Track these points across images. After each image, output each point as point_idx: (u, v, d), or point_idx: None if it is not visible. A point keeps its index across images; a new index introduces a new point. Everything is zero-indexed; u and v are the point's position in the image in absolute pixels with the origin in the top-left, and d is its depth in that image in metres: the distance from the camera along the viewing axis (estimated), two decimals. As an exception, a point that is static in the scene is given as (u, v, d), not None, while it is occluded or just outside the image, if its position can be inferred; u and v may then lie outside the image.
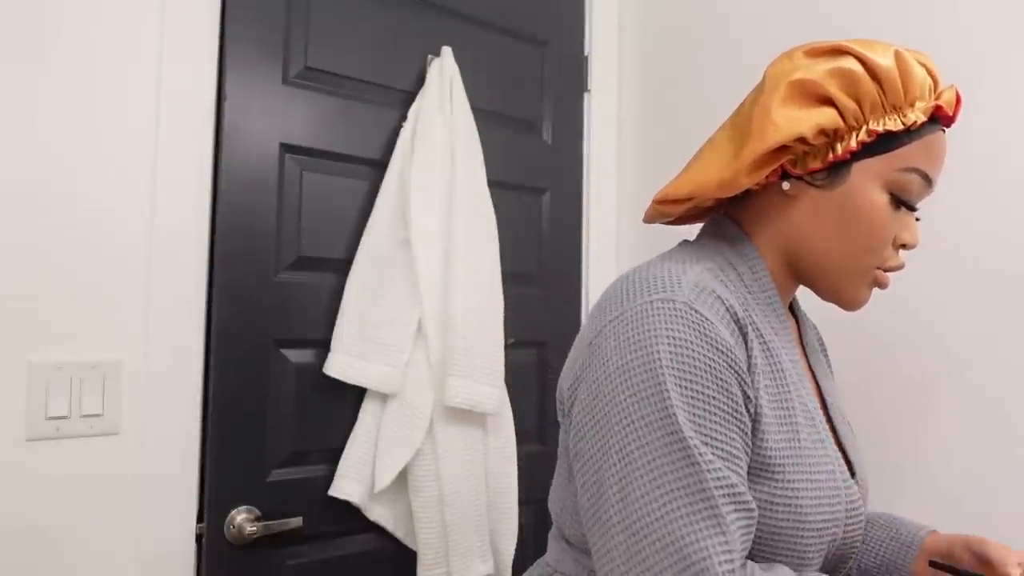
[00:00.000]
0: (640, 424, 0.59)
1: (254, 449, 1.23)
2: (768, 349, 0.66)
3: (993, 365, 1.08)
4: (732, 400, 0.60)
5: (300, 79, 1.31)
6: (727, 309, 0.63)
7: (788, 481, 0.62)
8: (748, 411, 0.62)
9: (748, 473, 0.62)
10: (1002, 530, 1.05)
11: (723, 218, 0.76)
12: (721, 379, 0.60)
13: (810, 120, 0.65)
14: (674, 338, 0.60)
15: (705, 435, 0.58)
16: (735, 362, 0.61)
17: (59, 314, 1.07)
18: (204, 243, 1.20)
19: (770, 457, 0.62)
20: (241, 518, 1.20)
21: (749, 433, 0.62)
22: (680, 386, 0.59)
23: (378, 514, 1.29)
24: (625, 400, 0.60)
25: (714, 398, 0.59)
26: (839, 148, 0.66)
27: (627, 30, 1.76)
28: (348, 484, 1.27)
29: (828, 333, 1.12)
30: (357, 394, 1.30)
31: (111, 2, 1.12)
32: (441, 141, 1.35)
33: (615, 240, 1.74)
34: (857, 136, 0.66)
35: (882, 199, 0.67)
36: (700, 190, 0.71)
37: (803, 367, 0.74)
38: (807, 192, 0.69)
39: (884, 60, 0.65)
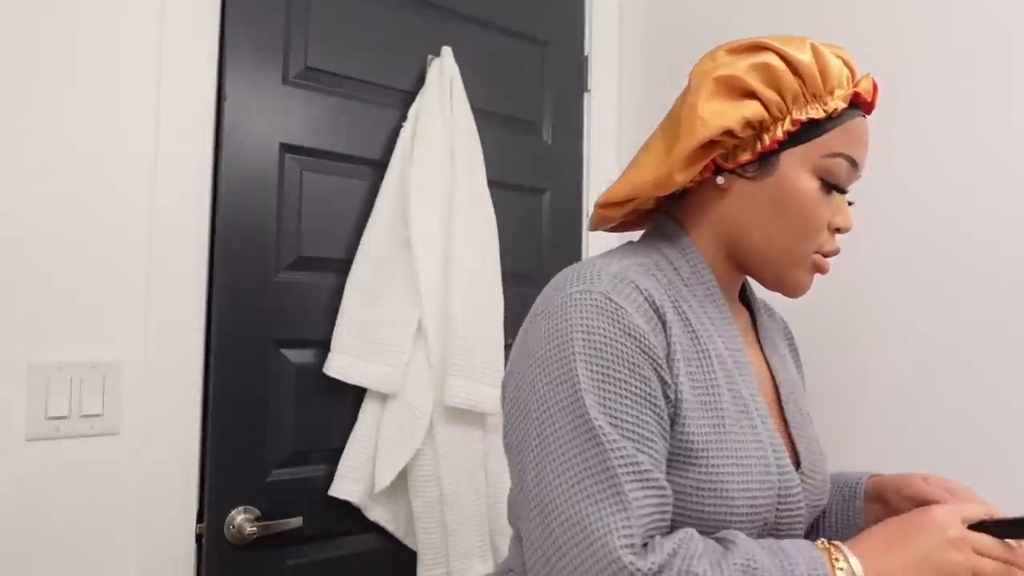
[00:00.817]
0: (555, 411, 0.62)
1: (254, 449, 1.23)
2: (697, 337, 0.68)
3: (984, 364, 1.08)
4: (645, 383, 0.62)
5: (300, 79, 1.31)
6: (645, 299, 0.65)
7: (712, 467, 0.64)
8: (666, 395, 0.64)
9: (673, 460, 0.64)
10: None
11: (664, 218, 0.79)
12: (633, 363, 0.62)
13: (735, 113, 0.68)
14: (588, 326, 0.63)
15: (614, 417, 0.60)
16: (649, 348, 0.63)
17: (59, 314, 1.07)
18: (204, 243, 1.20)
19: (693, 442, 0.64)
20: (241, 518, 1.20)
21: (666, 417, 0.64)
22: (591, 371, 0.61)
23: (378, 514, 1.30)
24: (542, 388, 0.63)
25: (625, 382, 0.61)
26: (766, 139, 0.69)
27: (627, 30, 1.76)
28: (348, 484, 1.27)
29: (818, 332, 1.12)
30: (357, 394, 1.30)
31: (111, 2, 1.12)
32: (441, 141, 1.35)
33: (615, 241, 1.74)
34: (782, 126, 0.69)
35: (812, 185, 0.70)
36: (637, 191, 0.74)
37: (752, 356, 0.77)
38: (740, 185, 0.72)
39: (802, 54, 0.68)
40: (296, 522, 1.24)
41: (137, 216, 1.14)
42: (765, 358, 0.80)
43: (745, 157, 0.71)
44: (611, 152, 1.75)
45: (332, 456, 1.30)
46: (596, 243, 1.71)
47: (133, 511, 1.12)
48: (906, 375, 1.18)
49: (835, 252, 0.73)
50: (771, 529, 0.68)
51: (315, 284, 1.31)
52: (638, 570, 0.56)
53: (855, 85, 0.71)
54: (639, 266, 0.71)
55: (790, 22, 1.40)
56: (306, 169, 1.32)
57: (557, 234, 1.66)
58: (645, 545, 0.58)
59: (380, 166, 1.37)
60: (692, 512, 0.64)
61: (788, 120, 0.69)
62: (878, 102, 0.98)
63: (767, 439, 0.68)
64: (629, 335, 0.63)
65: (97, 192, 1.11)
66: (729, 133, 0.69)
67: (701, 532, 0.64)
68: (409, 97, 1.41)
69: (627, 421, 0.61)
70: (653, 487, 0.60)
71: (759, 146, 0.70)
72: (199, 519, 1.18)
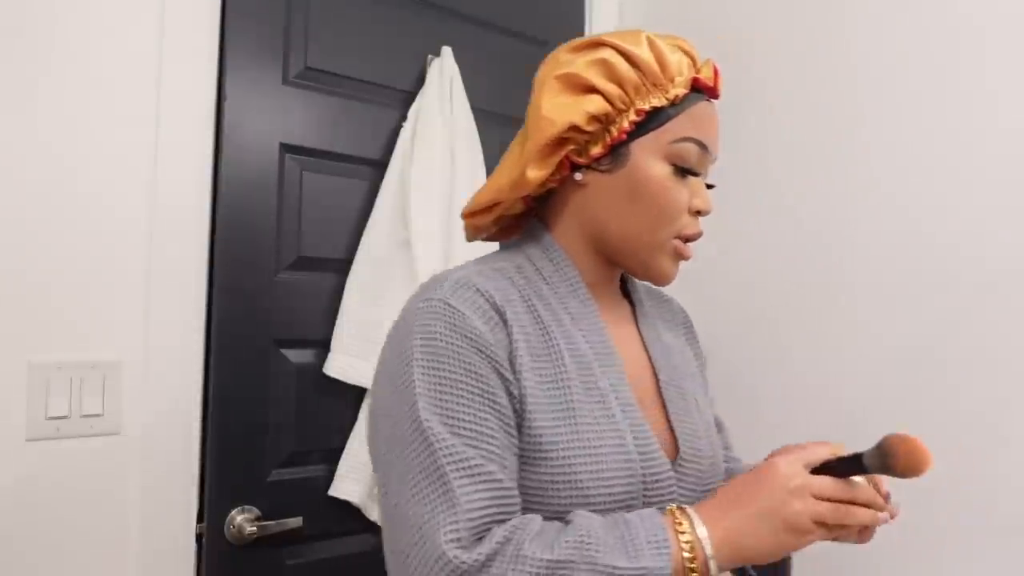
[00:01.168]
0: (395, 417, 0.64)
1: (254, 449, 1.23)
2: (548, 334, 0.70)
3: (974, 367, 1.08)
4: (482, 382, 0.64)
5: (300, 79, 1.31)
6: (485, 299, 0.68)
7: (563, 459, 0.65)
8: (509, 392, 0.66)
9: (525, 456, 0.66)
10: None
11: (533, 220, 0.81)
12: (469, 364, 0.64)
13: (579, 108, 0.70)
14: (426, 333, 0.65)
15: (450, 417, 0.62)
16: (487, 347, 0.65)
17: (59, 314, 1.07)
18: (204, 243, 1.20)
19: (542, 437, 0.65)
20: (241, 518, 1.20)
21: (510, 413, 0.65)
22: (427, 375, 0.64)
23: (378, 514, 1.30)
24: (387, 396, 0.66)
25: (461, 382, 0.64)
26: (614, 131, 0.71)
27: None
28: (348, 484, 1.27)
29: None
30: (357, 394, 1.30)
31: (111, 2, 1.12)
32: (441, 141, 1.35)
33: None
34: (627, 117, 0.71)
35: (664, 170, 0.72)
36: (497, 195, 0.76)
37: (629, 347, 0.79)
38: (597, 178, 0.74)
39: (638, 47, 0.71)
40: (296, 522, 1.24)
41: (137, 216, 1.14)
42: (645, 347, 0.81)
43: (597, 151, 0.72)
44: (611, 152, 1.75)
45: (332, 456, 1.30)
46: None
47: (133, 511, 1.12)
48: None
49: (696, 235, 0.75)
50: (649, 498, 0.69)
51: (315, 284, 1.31)
52: (463, 563, 0.58)
53: (696, 72, 0.73)
54: (494, 270, 0.73)
55: (790, 22, 1.40)
56: (306, 169, 1.32)
57: (557, 234, 1.66)
58: (481, 538, 0.60)
59: (380, 166, 1.37)
60: (550, 505, 0.65)
61: (632, 111, 0.71)
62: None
63: (627, 427, 0.69)
64: (465, 337, 0.65)
65: (97, 192, 1.11)
66: (575, 128, 0.71)
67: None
68: (409, 97, 1.41)
69: (463, 420, 0.63)
70: (485, 481, 0.61)
71: (608, 139, 0.72)
72: (199, 519, 1.18)
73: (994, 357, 1.08)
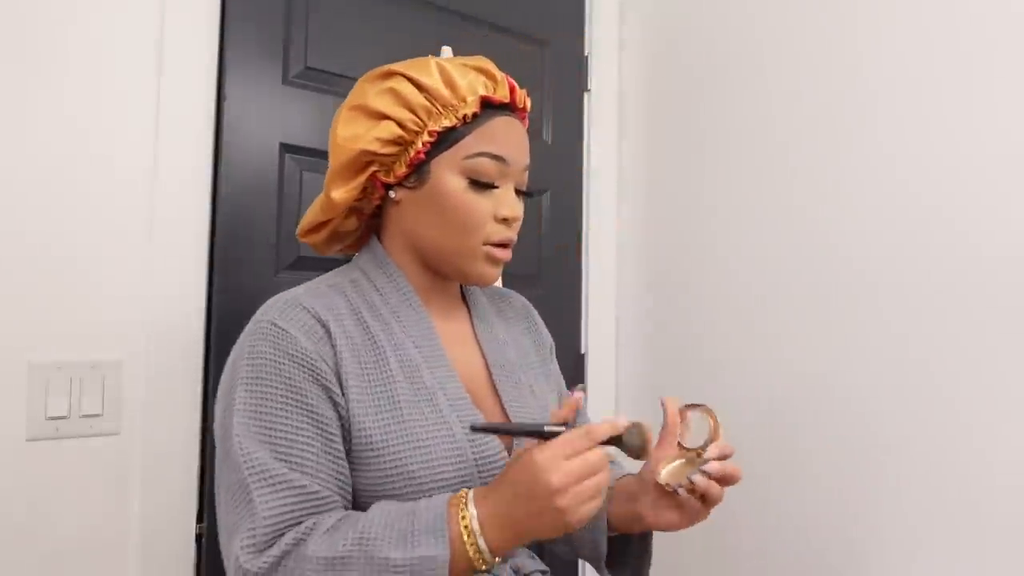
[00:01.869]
0: (222, 434, 0.72)
1: (254, 449, 1.23)
2: (375, 342, 0.76)
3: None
4: (301, 396, 0.70)
5: (300, 79, 1.31)
6: (311, 316, 0.74)
7: (393, 454, 0.71)
8: (333, 400, 0.72)
9: (358, 456, 0.72)
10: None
11: (371, 236, 0.87)
12: (289, 380, 0.70)
13: (369, 135, 0.78)
14: (253, 352, 0.72)
15: (267, 431, 0.69)
16: (309, 362, 0.71)
17: (59, 314, 1.07)
18: (204, 243, 1.20)
19: (371, 436, 0.71)
20: (241, 518, 1.20)
21: (332, 420, 0.71)
22: (249, 393, 0.70)
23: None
24: (219, 414, 0.74)
25: (281, 397, 0.70)
26: (411, 152, 0.78)
27: (627, 30, 1.76)
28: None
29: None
30: (357, 394, 1.30)
31: (111, 3, 1.12)
32: (441, 141, 1.35)
33: (615, 240, 1.74)
34: (422, 139, 0.78)
35: (460, 184, 0.78)
36: (316, 216, 0.84)
37: (464, 347, 0.85)
38: (408, 195, 0.81)
39: (426, 74, 0.78)
40: (296, 522, 1.24)
41: (137, 216, 1.14)
42: (480, 346, 0.87)
43: (401, 171, 0.79)
44: (611, 152, 1.75)
45: (332, 456, 1.29)
46: (596, 243, 1.71)
47: (133, 511, 1.12)
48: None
49: (505, 240, 0.80)
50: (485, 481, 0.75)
51: (315, 284, 1.31)
52: (248, 570, 0.65)
53: (491, 91, 0.79)
54: (328, 286, 0.80)
55: (790, 22, 1.40)
56: (306, 169, 1.32)
57: (557, 234, 1.66)
58: (273, 543, 0.66)
59: (380, 166, 1.36)
60: (389, 498, 0.71)
61: (426, 132, 0.77)
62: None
63: (455, 418, 0.75)
64: (288, 355, 0.71)
65: (97, 192, 1.11)
66: (368, 153, 0.78)
67: None
68: (409, 97, 1.40)
69: (279, 432, 0.69)
70: (285, 488, 0.67)
71: (408, 159, 0.78)
72: (199, 519, 1.18)
73: (992, 357, 1.08)
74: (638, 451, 0.68)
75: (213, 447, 1.19)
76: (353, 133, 0.79)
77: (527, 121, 0.88)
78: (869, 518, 1.22)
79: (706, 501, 0.76)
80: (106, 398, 1.10)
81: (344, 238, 0.90)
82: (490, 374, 0.85)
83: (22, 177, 1.05)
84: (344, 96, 1.35)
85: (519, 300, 1.03)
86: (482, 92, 0.79)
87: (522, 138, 0.82)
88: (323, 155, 1.33)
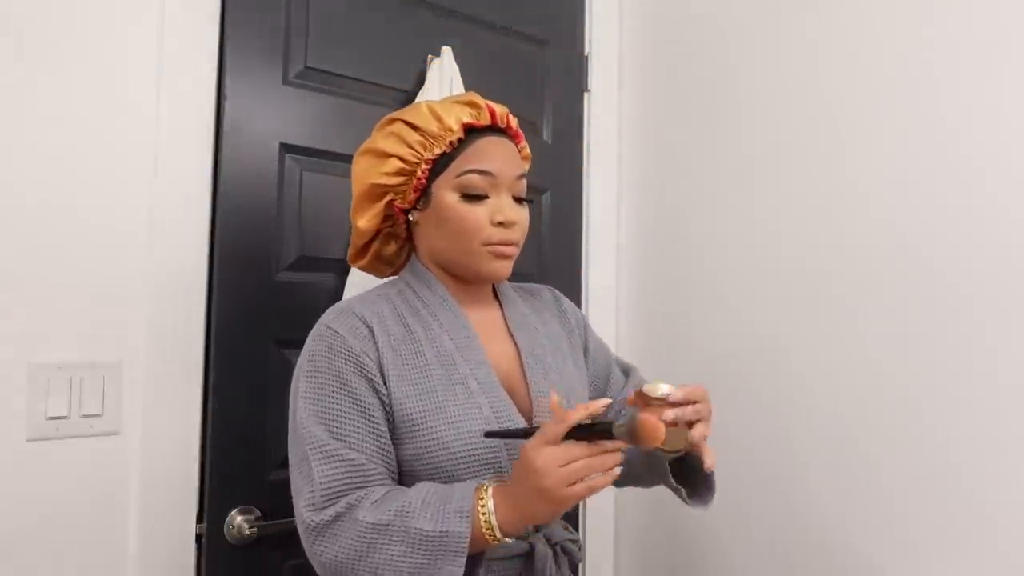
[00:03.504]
0: (292, 416, 0.88)
1: (254, 449, 1.23)
2: (414, 338, 0.91)
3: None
4: (348, 387, 0.86)
5: (300, 79, 1.31)
6: (360, 320, 0.90)
7: (430, 430, 0.86)
8: (376, 390, 0.87)
9: (400, 433, 0.87)
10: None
11: (413, 255, 1.02)
12: (339, 374, 0.86)
13: (377, 171, 0.94)
14: (312, 352, 0.89)
15: (323, 415, 0.84)
16: (356, 359, 0.87)
17: (59, 314, 1.07)
18: (204, 243, 1.20)
19: (410, 415, 0.86)
20: (241, 518, 1.20)
21: (375, 406, 0.86)
22: (308, 383, 0.86)
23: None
24: (291, 400, 0.89)
25: (333, 387, 0.86)
26: (414, 180, 0.93)
27: (627, 30, 1.76)
28: (348, 484, 1.26)
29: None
30: (357, 394, 1.30)
31: (111, 3, 1.12)
32: (441, 141, 1.35)
33: (615, 240, 1.74)
34: (421, 167, 0.92)
35: (453, 198, 0.91)
36: (352, 243, 1.01)
37: (499, 340, 0.97)
38: (422, 216, 0.95)
39: (418, 115, 0.93)
40: (296, 522, 1.24)
41: (137, 216, 1.14)
42: (512, 337, 0.99)
43: (411, 197, 0.94)
44: (611, 152, 1.75)
45: (332, 456, 1.29)
46: (596, 243, 1.71)
47: (133, 511, 1.12)
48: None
49: (505, 240, 0.92)
50: (512, 454, 0.86)
51: (315, 284, 1.31)
52: (312, 521, 0.81)
53: (474, 118, 0.92)
54: (377, 296, 0.95)
55: (789, 22, 1.40)
56: (306, 169, 1.32)
57: (557, 234, 1.66)
58: (331, 504, 0.81)
59: (380, 166, 1.36)
60: (428, 466, 0.86)
61: (423, 162, 0.92)
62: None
63: (485, 400, 0.89)
64: (337, 352, 0.87)
65: (97, 192, 1.11)
66: (379, 185, 0.94)
67: (439, 478, 0.85)
68: (409, 97, 1.41)
69: (332, 415, 0.84)
70: (337, 460, 0.82)
71: (414, 185, 0.93)
72: (199, 519, 1.18)
73: (993, 355, 1.08)
74: (630, 439, 0.74)
75: (213, 447, 1.20)
76: (366, 170, 0.95)
77: (521, 138, 0.99)
78: (870, 517, 1.22)
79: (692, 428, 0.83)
80: (106, 398, 1.10)
81: (391, 261, 1.05)
82: (522, 363, 0.97)
83: (22, 177, 1.05)
84: (343, 96, 1.38)
85: (547, 293, 1.13)
86: (465, 120, 0.92)
87: (508, 153, 0.94)
88: (323, 155, 1.34)
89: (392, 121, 0.96)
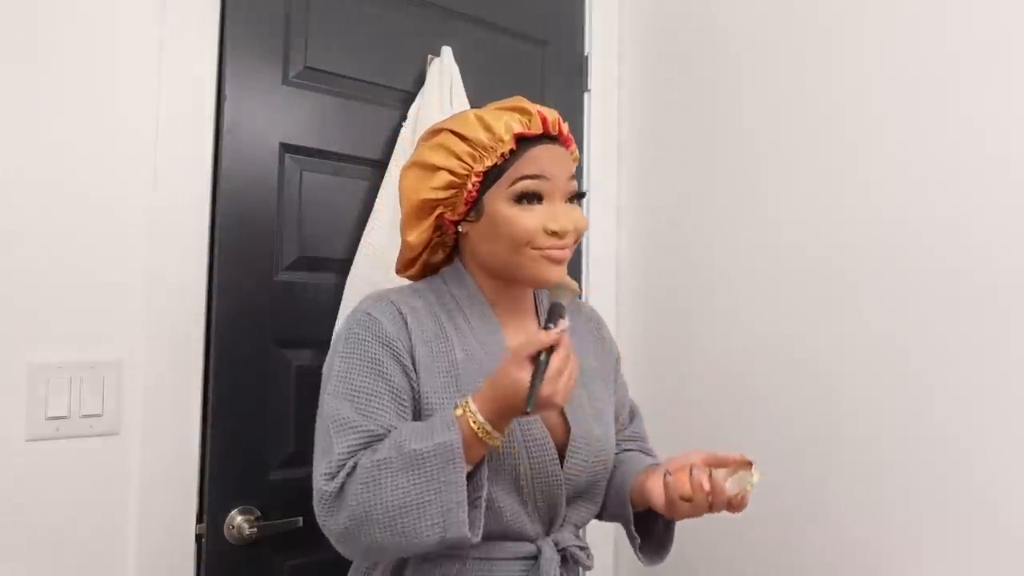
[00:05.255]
0: (321, 395, 0.90)
1: (254, 449, 1.23)
2: (445, 335, 0.93)
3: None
4: (381, 367, 0.88)
5: (300, 79, 1.31)
6: (395, 309, 0.91)
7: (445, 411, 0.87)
8: (406, 373, 0.89)
9: (424, 415, 0.88)
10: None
11: (456, 259, 1.02)
12: (374, 355, 0.88)
13: (426, 185, 0.92)
14: (350, 334, 0.90)
15: (353, 391, 0.86)
16: (390, 342, 0.89)
17: (59, 314, 1.07)
18: (204, 243, 1.20)
19: (430, 399, 0.88)
20: (241, 518, 1.20)
21: (404, 386, 0.88)
22: (343, 362, 0.88)
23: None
24: (323, 379, 0.91)
25: (367, 366, 0.88)
26: (465, 193, 0.91)
27: (627, 30, 1.76)
28: (348, 484, 1.26)
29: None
30: (357, 394, 1.30)
31: (111, 3, 1.12)
32: (441, 141, 1.35)
33: (615, 240, 1.74)
34: (471, 180, 0.90)
35: (506, 207, 0.90)
36: (402, 257, 1.02)
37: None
38: (472, 227, 0.94)
39: (465, 125, 0.91)
40: (296, 522, 1.25)
41: (137, 216, 1.14)
42: None
43: (462, 209, 0.93)
44: (611, 152, 1.75)
45: (332, 456, 1.29)
46: (596, 243, 1.71)
47: (133, 511, 1.12)
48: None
49: (554, 246, 0.90)
50: (536, 476, 0.89)
51: (315, 284, 1.31)
52: (325, 489, 0.82)
53: (524, 126, 0.90)
54: (413, 290, 0.97)
55: (789, 22, 1.40)
56: (306, 169, 1.32)
57: (557, 234, 1.66)
58: (347, 465, 0.82)
59: (380, 166, 1.37)
60: None
61: (473, 174, 0.90)
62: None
63: None
64: (375, 335, 0.89)
65: (97, 192, 1.11)
66: (429, 200, 0.93)
67: None
68: (409, 97, 1.41)
69: (363, 393, 0.86)
70: (356, 432, 0.84)
71: (464, 198, 0.91)
72: (199, 519, 1.18)
73: (979, 357, 1.08)
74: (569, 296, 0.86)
75: (213, 447, 1.20)
76: (415, 185, 0.94)
77: (571, 142, 0.97)
78: (872, 517, 1.22)
79: (731, 507, 0.89)
80: (106, 398, 1.10)
81: (439, 268, 1.04)
82: None
83: (22, 177, 1.05)
84: (343, 96, 1.38)
85: (588, 309, 1.14)
86: (517, 130, 0.90)
87: (560, 157, 0.93)
88: (323, 155, 1.34)
89: (438, 131, 0.94)
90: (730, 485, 0.88)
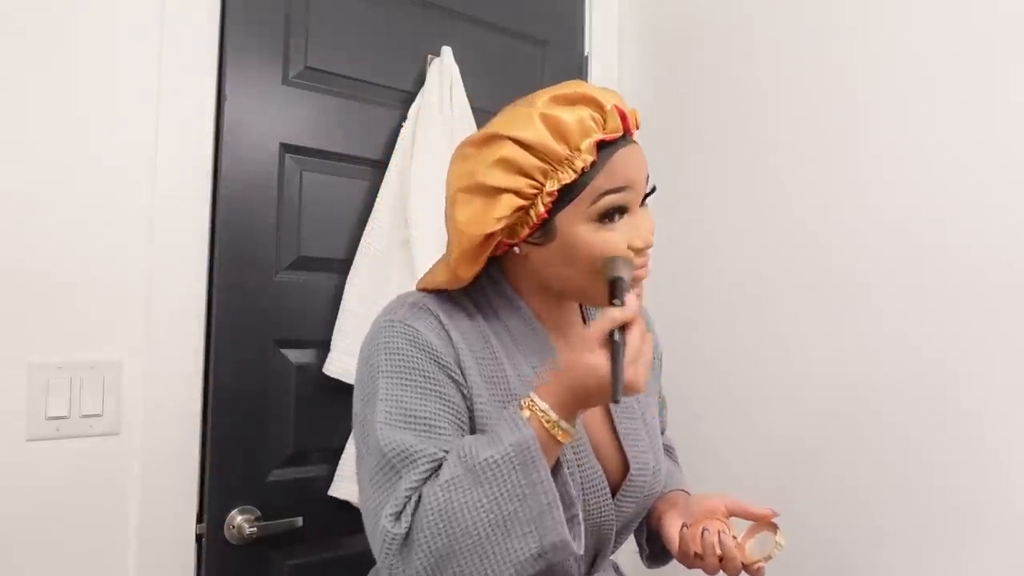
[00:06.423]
0: (364, 422, 0.77)
1: (254, 449, 1.23)
2: (491, 349, 0.81)
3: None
4: (432, 380, 0.76)
5: (300, 79, 1.31)
6: (437, 320, 0.79)
7: None
8: (460, 389, 0.77)
9: (476, 429, 0.77)
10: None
11: (495, 270, 0.86)
12: (425, 371, 0.76)
13: (488, 216, 0.74)
14: (390, 348, 0.77)
15: (407, 414, 0.74)
16: (438, 355, 0.77)
17: (59, 314, 1.07)
18: (204, 243, 1.20)
19: (487, 416, 0.77)
20: (241, 518, 1.20)
21: (459, 402, 0.77)
22: (389, 382, 0.75)
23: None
24: (359, 405, 0.78)
25: (416, 381, 0.75)
26: (533, 215, 0.75)
27: (627, 30, 1.76)
28: (348, 484, 1.26)
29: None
30: (357, 394, 1.30)
31: (111, 3, 1.12)
32: (441, 141, 1.35)
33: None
34: (542, 200, 0.74)
35: (589, 230, 0.75)
36: (440, 282, 0.83)
37: None
38: (534, 250, 0.79)
39: (530, 130, 0.73)
40: (296, 522, 1.25)
41: (137, 216, 1.14)
42: None
43: (524, 232, 0.77)
44: (611, 152, 1.75)
45: (332, 456, 1.30)
46: (596, 243, 1.71)
47: (133, 511, 1.12)
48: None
49: (643, 264, 0.78)
50: (588, 518, 0.79)
51: (315, 284, 1.31)
52: (395, 533, 0.69)
53: (601, 128, 0.74)
54: (450, 300, 0.83)
55: (789, 22, 1.40)
56: (306, 169, 1.32)
57: (557, 234, 1.66)
58: (413, 500, 0.71)
59: (380, 166, 1.37)
60: None
61: (544, 193, 0.74)
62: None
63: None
64: (422, 349, 0.76)
65: (97, 192, 1.11)
66: (496, 233, 0.76)
67: None
68: (409, 97, 1.41)
69: (420, 416, 0.74)
70: (423, 459, 0.72)
71: (531, 221, 0.76)
72: (199, 519, 1.18)
73: (991, 358, 1.08)
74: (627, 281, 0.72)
75: (213, 447, 1.20)
76: (473, 217, 0.75)
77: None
78: (874, 518, 1.22)
79: (748, 570, 0.80)
80: (106, 398, 1.10)
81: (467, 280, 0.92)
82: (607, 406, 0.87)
83: (22, 177, 1.05)
84: (343, 96, 1.38)
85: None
86: (596, 136, 0.74)
87: (639, 159, 0.78)
88: (323, 155, 1.34)
89: (495, 139, 0.75)
90: (751, 549, 0.81)
